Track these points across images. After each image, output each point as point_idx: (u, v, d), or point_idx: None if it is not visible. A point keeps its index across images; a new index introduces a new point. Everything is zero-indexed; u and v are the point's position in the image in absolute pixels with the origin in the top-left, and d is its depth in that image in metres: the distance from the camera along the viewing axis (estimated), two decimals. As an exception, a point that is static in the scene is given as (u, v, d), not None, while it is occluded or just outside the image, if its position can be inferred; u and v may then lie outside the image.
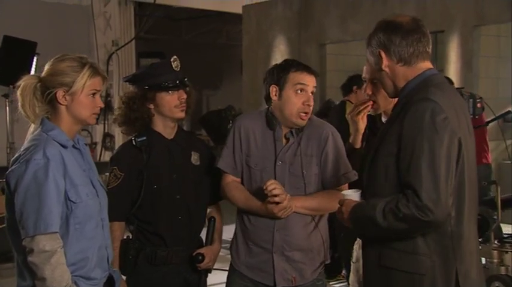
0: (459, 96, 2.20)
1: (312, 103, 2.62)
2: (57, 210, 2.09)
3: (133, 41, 9.16)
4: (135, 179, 2.67)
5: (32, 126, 2.21)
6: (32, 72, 6.68)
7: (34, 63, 7.10)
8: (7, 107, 7.30)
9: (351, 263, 2.83)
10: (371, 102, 2.58)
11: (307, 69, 2.63)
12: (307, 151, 2.64)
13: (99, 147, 8.58)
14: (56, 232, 2.08)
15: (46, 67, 2.21)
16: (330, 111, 5.40)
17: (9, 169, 2.12)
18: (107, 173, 2.74)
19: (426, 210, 1.90)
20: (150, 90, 2.69)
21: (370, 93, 2.57)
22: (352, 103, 5.27)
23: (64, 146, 2.16)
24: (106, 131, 8.47)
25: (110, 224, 2.36)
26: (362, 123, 2.62)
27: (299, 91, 2.59)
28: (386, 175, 2.03)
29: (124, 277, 2.64)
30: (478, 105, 4.15)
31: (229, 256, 2.77)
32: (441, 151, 1.93)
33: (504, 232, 4.54)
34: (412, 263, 2.01)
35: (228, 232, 3.03)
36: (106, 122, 8.35)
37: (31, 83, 2.18)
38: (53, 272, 2.05)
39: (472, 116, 4.05)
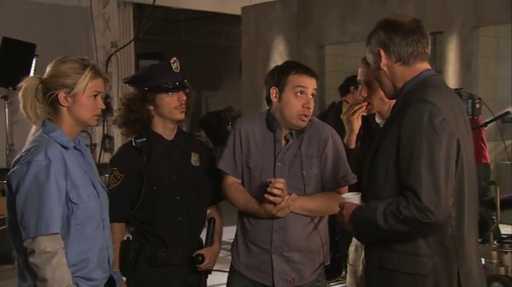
0: (457, 97, 2.21)
1: (312, 105, 2.62)
2: (58, 211, 2.09)
3: (133, 43, 9.16)
4: (135, 180, 2.68)
5: (34, 128, 2.22)
6: (31, 74, 6.68)
7: (33, 65, 7.10)
8: (6, 109, 7.30)
9: (348, 264, 2.84)
10: (366, 103, 2.60)
11: (307, 72, 2.63)
12: (308, 152, 2.64)
13: (98, 148, 8.58)
14: (57, 233, 2.09)
15: (48, 69, 2.21)
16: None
17: (11, 170, 2.13)
18: (107, 175, 2.74)
19: (427, 212, 1.90)
20: (149, 92, 2.69)
21: (365, 95, 2.59)
22: (349, 103, 5.29)
23: (65, 148, 2.17)
24: (105, 132, 8.47)
25: (110, 225, 2.36)
26: (357, 124, 2.64)
27: (299, 93, 2.60)
28: (386, 176, 2.03)
29: (124, 278, 2.64)
30: (477, 106, 4.15)
31: (229, 257, 2.78)
32: (440, 153, 1.93)
33: (503, 233, 4.54)
34: (414, 265, 2.01)
35: (228, 233, 3.03)
36: (105, 123, 8.35)
37: (33, 84, 2.19)
38: (53, 273, 2.05)
39: (471, 117, 4.05)
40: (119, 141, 8.18)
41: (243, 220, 2.70)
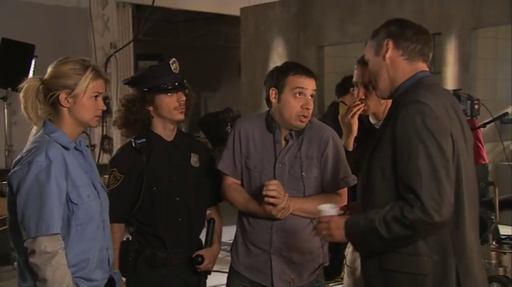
0: (451, 97, 2.22)
1: (311, 106, 2.63)
2: (59, 211, 2.10)
3: (132, 44, 9.16)
4: (134, 181, 2.68)
5: (34, 128, 2.22)
6: (31, 74, 6.68)
7: (32, 65, 7.10)
8: (5, 110, 7.29)
9: (345, 266, 2.84)
10: (363, 104, 2.60)
11: (306, 73, 2.63)
12: (308, 154, 2.65)
13: (97, 149, 8.57)
14: (58, 234, 2.09)
15: (49, 69, 2.22)
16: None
17: (12, 171, 2.14)
18: (105, 176, 2.74)
19: (432, 211, 1.90)
20: (149, 93, 2.70)
21: (362, 97, 2.60)
22: (346, 104, 5.28)
23: (66, 148, 2.17)
24: (104, 133, 8.46)
25: (110, 226, 2.37)
26: (356, 126, 2.64)
27: (298, 95, 2.60)
28: (383, 177, 2.04)
29: (124, 279, 2.64)
30: (476, 107, 4.16)
31: (229, 258, 2.78)
32: (437, 151, 1.94)
33: (502, 233, 4.55)
34: (414, 265, 2.01)
35: (228, 234, 3.03)
36: (104, 124, 8.35)
37: (34, 85, 2.19)
38: (54, 274, 2.06)
39: (469, 118, 4.06)
40: (117, 142, 8.18)
41: (242, 221, 2.71)
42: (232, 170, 2.70)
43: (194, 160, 2.80)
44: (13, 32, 7.21)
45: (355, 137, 2.70)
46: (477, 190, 2.17)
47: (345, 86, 5.20)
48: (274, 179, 2.60)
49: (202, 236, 2.83)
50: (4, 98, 7.22)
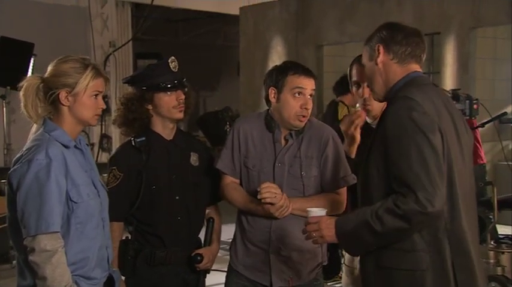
0: (445, 95, 2.26)
1: (310, 106, 2.63)
2: (59, 210, 2.10)
3: (131, 42, 9.16)
4: (134, 179, 2.68)
5: (34, 127, 2.22)
6: (29, 73, 6.68)
7: (31, 64, 7.09)
8: (4, 108, 7.29)
9: (344, 265, 2.84)
10: (363, 112, 2.59)
11: (305, 73, 2.63)
12: (308, 153, 2.65)
13: (96, 148, 8.58)
14: (57, 232, 2.09)
15: (49, 68, 2.22)
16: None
17: (12, 169, 2.14)
18: (104, 174, 2.74)
19: (425, 202, 1.92)
20: (148, 91, 2.70)
21: (367, 95, 2.58)
22: (346, 104, 5.27)
23: (66, 147, 2.17)
24: (103, 132, 8.47)
25: (109, 225, 2.37)
26: (358, 135, 2.64)
27: (297, 94, 2.60)
28: (378, 175, 2.06)
29: (123, 277, 2.64)
30: (475, 106, 4.17)
31: (228, 257, 2.78)
32: (426, 145, 1.97)
33: (501, 233, 4.55)
34: (411, 261, 2.02)
35: (227, 233, 3.04)
36: (103, 123, 8.35)
37: (34, 83, 2.19)
38: (53, 272, 2.06)
39: (468, 118, 4.07)
40: (116, 141, 8.19)
41: (241, 220, 2.71)
42: (231, 169, 2.71)
43: (194, 158, 2.80)
44: (12, 31, 7.21)
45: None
46: (474, 188, 2.19)
47: (343, 85, 5.19)
48: (274, 178, 2.60)
49: (202, 235, 2.83)
50: (3, 97, 7.22)
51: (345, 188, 2.67)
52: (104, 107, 2.26)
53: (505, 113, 4.82)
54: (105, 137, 8.48)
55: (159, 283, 2.71)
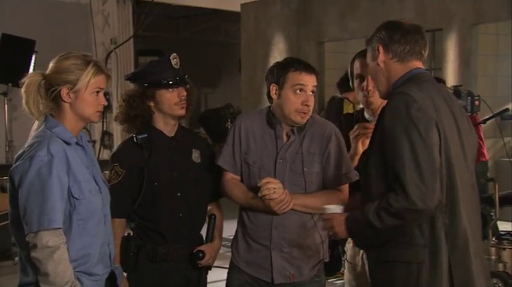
0: (446, 91, 2.27)
1: (311, 103, 2.63)
2: (61, 206, 2.10)
3: (132, 39, 9.15)
4: (136, 176, 2.68)
5: (36, 123, 2.23)
6: (31, 70, 6.68)
7: (32, 61, 7.09)
8: (5, 105, 7.29)
9: (346, 261, 2.85)
10: (373, 127, 2.57)
11: (307, 69, 2.63)
12: (310, 149, 2.65)
13: (97, 145, 8.58)
14: (59, 228, 2.10)
15: (51, 65, 2.22)
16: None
17: (14, 165, 2.14)
18: (106, 171, 2.74)
19: (416, 199, 1.94)
20: (149, 88, 2.70)
21: (371, 88, 2.58)
22: (350, 101, 5.26)
23: (68, 143, 2.18)
24: (105, 129, 8.46)
25: (111, 221, 2.37)
26: (361, 147, 2.66)
27: (298, 91, 2.60)
28: (377, 171, 2.08)
29: (125, 274, 2.65)
30: (476, 103, 4.17)
31: (229, 254, 2.79)
32: (419, 140, 1.98)
33: (502, 229, 4.56)
34: (408, 254, 2.05)
35: (228, 229, 3.04)
36: (105, 120, 8.35)
37: (35, 80, 2.19)
38: (55, 268, 2.06)
39: (470, 114, 4.07)
40: (118, 138, 8.18)
41: (242, 217, 2.71)
42: (232, 166, 2.71)
43: (195, 155, 2.80)
44: (13, 28, 7.21)
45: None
46: (476, 185, 2.19)
47: (348, 81, 5.17)
48: (275, 174, 2.60)
49: (203, 232, 2.83)
50: (4, 94, 7.22)
51: (347, 184, 2.67)
52: (106, 104, 2.26)
53: (507, 110, 4.83)
54: (106, 134, 8.48)
55: (161, 280, 2.71)
